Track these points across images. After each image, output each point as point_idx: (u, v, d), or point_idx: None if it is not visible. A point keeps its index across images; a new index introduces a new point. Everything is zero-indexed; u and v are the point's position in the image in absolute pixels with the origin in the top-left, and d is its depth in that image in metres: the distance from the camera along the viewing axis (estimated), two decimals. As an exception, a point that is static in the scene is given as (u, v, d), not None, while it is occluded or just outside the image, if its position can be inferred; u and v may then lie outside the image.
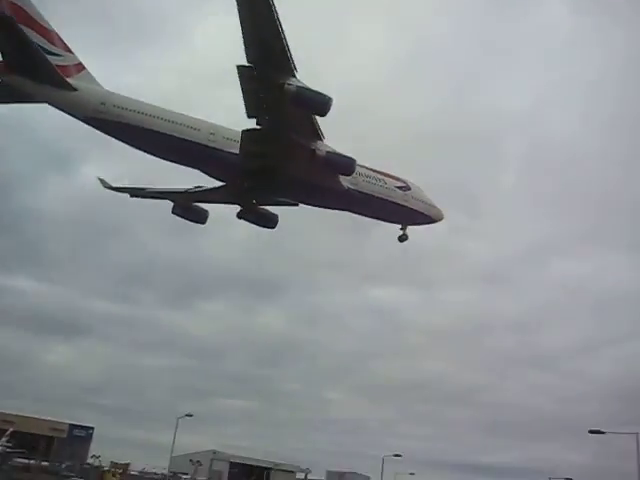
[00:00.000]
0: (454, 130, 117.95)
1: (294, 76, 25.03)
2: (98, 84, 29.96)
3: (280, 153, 27.31)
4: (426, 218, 33.27)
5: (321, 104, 25.51)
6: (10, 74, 27.12)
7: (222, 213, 35.63)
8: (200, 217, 33.20)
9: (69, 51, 29.10)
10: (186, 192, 32.51)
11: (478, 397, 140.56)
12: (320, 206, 32.68)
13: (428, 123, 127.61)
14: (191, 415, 70.51)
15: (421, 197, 33.08)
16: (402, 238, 33.86)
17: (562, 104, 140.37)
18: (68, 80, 28.09)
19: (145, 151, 29.66)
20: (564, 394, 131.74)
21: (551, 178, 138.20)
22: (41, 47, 27.57)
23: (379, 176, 31.26)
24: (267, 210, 33.52)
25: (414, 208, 32.39)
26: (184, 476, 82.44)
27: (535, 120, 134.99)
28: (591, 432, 37.38)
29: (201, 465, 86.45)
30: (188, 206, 32.46)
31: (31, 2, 28.34)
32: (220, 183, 30.93)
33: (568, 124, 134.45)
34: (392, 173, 32.30)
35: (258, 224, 33.80)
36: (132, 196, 34.21)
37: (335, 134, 27.76)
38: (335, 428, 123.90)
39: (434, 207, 33.58)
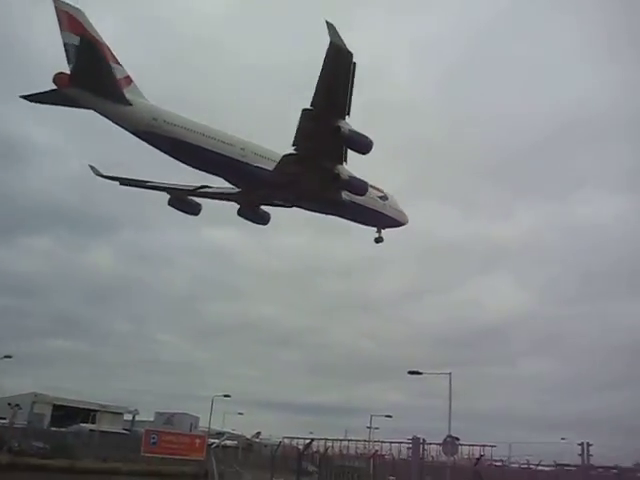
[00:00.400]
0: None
1: (345, 119, 28.15)
2: (145, 97, 30.32)
3: (311, 174, 30.45)
4: (397, 222, 37.24)
5: (366, 145, 28.87)
6: (73, 87, 27.74)
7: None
8: (195, 209, 34.61)
9: (118, 63, 29.04)
10: (196, 189, 33.83)
11: (307, 339, 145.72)
12: (317, 212, 35.31)
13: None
14: (10, 357, 67.44)
15: (395, 205, 37.04)
16: (378, 240, 37.59)
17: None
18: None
19: (183, 162, 30.89)
20: (388, 337, 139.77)
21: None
22: None
23: (369, 189, 34.09)
24: (263, 210, 35.56)
25: (390, 215, 36.20)
26: (0, 421, 78.86)
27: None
28: (410, 373, 40.10)
29: (21, 409, 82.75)
30: (183, 199, 33.83)
31: (85, 15, 28.72)
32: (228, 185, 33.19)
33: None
34: (373, 184, 35.20)
35: (254, 221, 35.80)
36: (122, 184, 34.73)
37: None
38: (166, 370, 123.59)
39: (403, 213, 37.60)
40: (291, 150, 29.62)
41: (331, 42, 24.86)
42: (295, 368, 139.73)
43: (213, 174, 32.17)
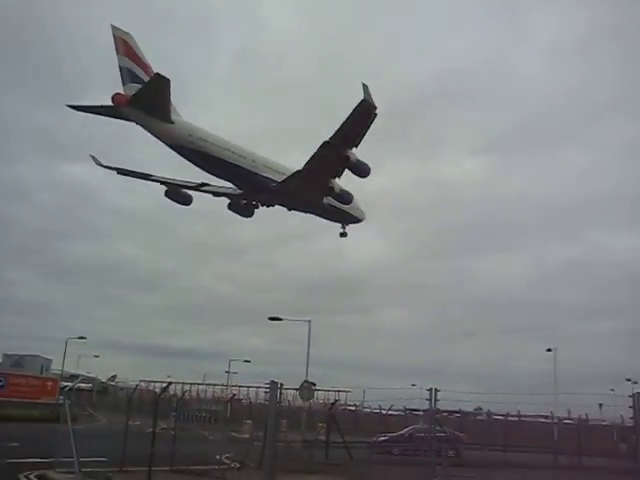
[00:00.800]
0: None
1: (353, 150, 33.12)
2: (179, 114, 33.42)
3: (312, 187, 35.36)
4: (358, 220, 41.68)
5: (367, 172, 34.03)
6: (131, 107, 30.66)
7: None
8: (187, 200, 37.32)
9: None
10: (198, 186, 36.72)
11: (168, 282, 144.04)
12: (299, 211, 39.79)
13: None
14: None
15: (357, 205, 40.99)
16: (343, 234, 41.94)
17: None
18: None
19: (205, 170, 34.64)
20: (250, 283, 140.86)
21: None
22: (139, 79, 31.31)
23: None
24: (253, 206, 38.81)
25: (355, 215, 40.79)
26: None
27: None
28: (270, 319, 40.59)
29: None
30: (178, 192, 36.72)
31: (134, 39, 31.74)
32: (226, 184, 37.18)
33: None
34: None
35: (241, 214, 38.97)
36: (119, 174, 36.89)
37: None
38: (17, 310, 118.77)
39: (362, 212, 41.92)
40: (299, 167, 34.68)
41: (364, 99, 29.23)
42: (154, 311, 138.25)
43: (226, 180, 36.27)
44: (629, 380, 52.12)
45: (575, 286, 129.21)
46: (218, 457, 20.86)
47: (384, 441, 28.47)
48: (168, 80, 29.06)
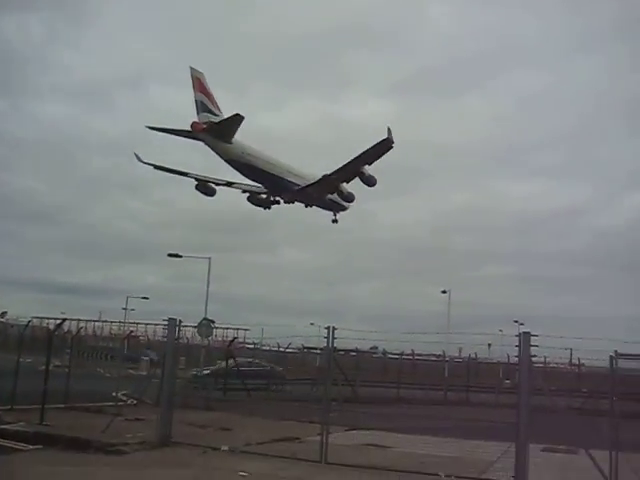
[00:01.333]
0: None
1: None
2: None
3: (327, 190, 42.79)
4: (345, 208, 46.52)
5: (374, 183, 40.53)
6: (206, 133, 37.27)
7: None
8: (213, 192, 42.91)
9: (220, 110, 38.40)
10: (227, 183, 42.91)
11: (65, 217, 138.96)
12: (307, 205, 45.48)
13: None
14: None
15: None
16: (335, 221, 47.03)
17: None
18: None
19: (247, 177, 41.49)
20: (149, 220, 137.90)
21: None
22: (209, 109, 37.97)
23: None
24: (272, 200, 45.30)
25: (345, 205, 45.46)
26: None
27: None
28: (170, 255, 40.01)
29: None
30: (206, 185, 42.18)
31: (205, 77, 38.38)
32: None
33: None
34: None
35: (262, 207, 45.68)
36: (156, 168, 41.97)
37: None
38: None
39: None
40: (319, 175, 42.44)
41: (387, 139, 36.55)
42: (49, 247, 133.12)
43: (260, 182, 42.83)
44: (516, 321, 55.04)
45: (470, 231, 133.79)
46: (114, 394, 20.54)
47: (207, 375, 28.24)
48: (243, 117, 36.99)
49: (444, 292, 65.24)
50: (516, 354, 12.27)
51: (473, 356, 43.65)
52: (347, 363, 38.57)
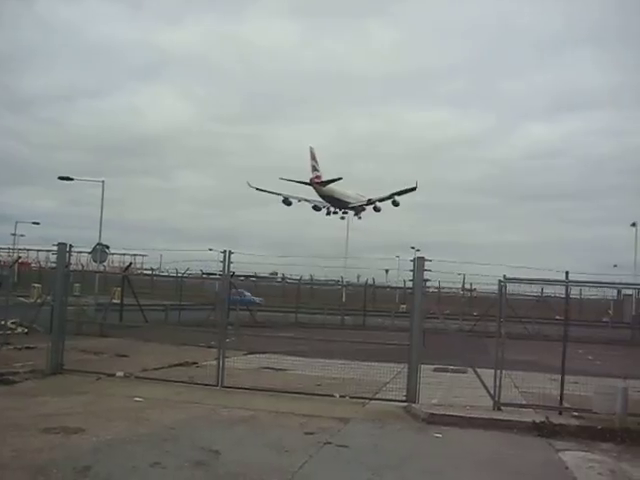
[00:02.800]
0: None
1: None
2: None
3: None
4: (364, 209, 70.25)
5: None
6: (316, 184, 62.58)
7: None
8: (290, 204, 65.24)
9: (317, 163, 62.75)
10: (300, 199, 65.28)
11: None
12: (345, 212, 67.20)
13: None
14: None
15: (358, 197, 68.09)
16: (359, 218, 68.35)
17: None
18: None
19: (329, 203, 65.65)
20: (37, 141, 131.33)
21: None
22: (316, 168, 62.68)
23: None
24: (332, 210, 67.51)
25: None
26: None
27: None
28: (60, 178, 38.13)
29: None
30: (288, 200, 64.81)
31: (314, 150, 63.01)
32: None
33: None
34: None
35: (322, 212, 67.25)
36: (257, 190, 63.40)
37: None
38: None
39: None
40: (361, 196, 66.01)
41: (414, 188, 59.81)
42: None
43: (329, 203, 65.83)
44: (413, 248, 56.56)
45: (374, 158, 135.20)
46: (3, 322, 19.74)
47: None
48: (341, 178, 61.56)
49: (342, 218, 66.56)
50: (411, 278, 12.56)
51: (370, 282, 44.77)
52: (247, 288, 38.72)
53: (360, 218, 67.79)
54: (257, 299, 43.50)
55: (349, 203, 65.90)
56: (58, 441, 8.37)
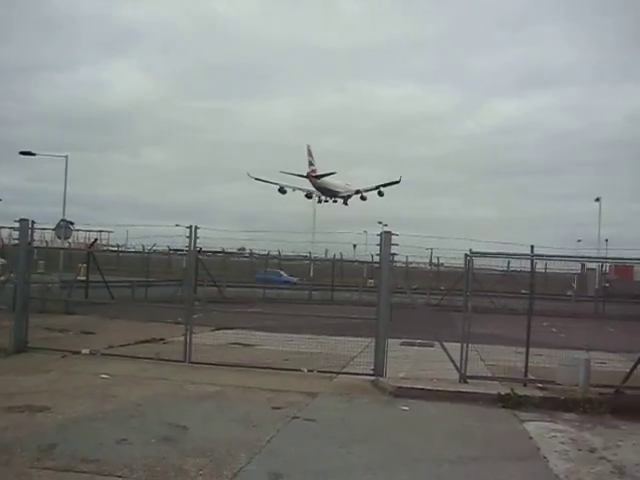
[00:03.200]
0: None
1: None
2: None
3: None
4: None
5: None
6: (312, 178, 70.36)
7: None
8: (285, 192, 70.90)
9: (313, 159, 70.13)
10: (295, 188, 71.55)
11: None
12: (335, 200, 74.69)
13: None
14: None
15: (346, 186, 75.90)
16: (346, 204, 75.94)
17: None
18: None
19: (322, 193, 72.29)
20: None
21: None
22: (312, 163, 69.86)
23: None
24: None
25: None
26: None
27: None
28: (22, 153, 37.22)
29: None
30: (283, 189, 70.70)
31: (310, 146, 70.41)
32: None
33: None
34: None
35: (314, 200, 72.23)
36: (256, 180, 69.33)
37: None
38: None
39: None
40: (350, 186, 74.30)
41: (398, 181, 69.97)
42: None
43: (323, 194, 71.88)
44: (380, 222, 56.88)
45: (339, 133, 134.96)
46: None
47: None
48: (335, 172, 68.43)
49: (335, 202, 69.98)
50: (378, 252, 12.60)
51: (338, 256, 44.83)
52: (214, 264, 38.54)
53: (347, 205, 75.29)
54: (294, 279, 44.50)
55: (339, 193, 73.36)
56: (23, 420, 8.26)
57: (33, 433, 7.62)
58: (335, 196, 73.78)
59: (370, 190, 72.93)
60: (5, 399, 9.24)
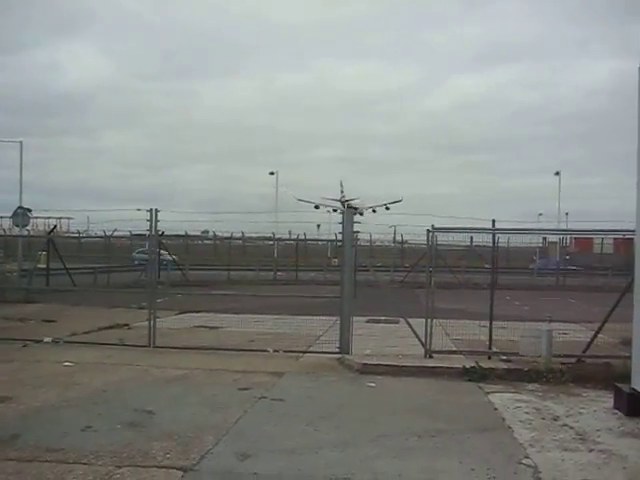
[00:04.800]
0: None
1: None
2: None
3: None
4: None
5: None
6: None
7: None
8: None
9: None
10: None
11: None
12: None
13: None
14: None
15: None
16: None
17: None
18: None
19: None
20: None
21: None
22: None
23: None
24: None
25: None
26: None
27: None
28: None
29: None
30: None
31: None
32: None
33: None
34: None
35: None
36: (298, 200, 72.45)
37: None
38: None
39: None
40: None
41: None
42: None
43: None
44: (345, 201, 58.87)
45: (300, 112, 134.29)
46: None
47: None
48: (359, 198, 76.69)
49: (272, 174, 66.43)
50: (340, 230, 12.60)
51: (302, 236, 44.80)
52: (178, 247, 38.25)
53: (362, 215, 78.64)
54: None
55: (358, 209, 79.42)
56: (-17, 411, 8.10)
57: (-5, 424, 7.48)
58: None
59: (378, 206, 79.85)
60: (-36, 391, 9.05)
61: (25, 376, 10.29)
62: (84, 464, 6.12)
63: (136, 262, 37.18)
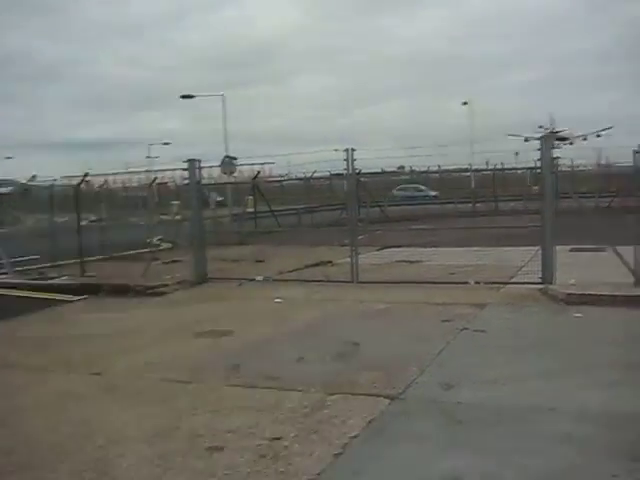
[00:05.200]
0: None
1: None
2: None
3: None
4: None
5: None
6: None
7: None
8: None
9: None
10: None
11: (71, 71, 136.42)
12: None
13: None
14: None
15: None
16: None
17: None
18: None
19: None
20: (154, 63, 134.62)
21: None
22: None
23: None
24: None
25: None
26: None
27: None
28: (182, 97, 39.06)
29: None
30: None
31: None
32: None
33: None
34: None
35: None
36: None
37: None
38: None
39: None
40: None
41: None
42: (63, 103, 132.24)
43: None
44: (541, 127, 54.57)
45: (492, 38, 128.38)
46: (149, 240, 21.02)
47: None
48: None
49: (465, 104, 64.34)
50: (539, 157, 12.09)
51: (500, 166, 43.38)
52: (376, 185, 38.78)
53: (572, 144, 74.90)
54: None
55: (568, 139, 75.87)
56: (210, 343, 9.02)
57: (219, 355, 8.31)
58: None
59: (590, 134, 77.17)
60: (194, 325, 10.11)
61: (242, 312, 11.25)
62: (299, 391, 6.63)
63: (398, 199, 39.41)
